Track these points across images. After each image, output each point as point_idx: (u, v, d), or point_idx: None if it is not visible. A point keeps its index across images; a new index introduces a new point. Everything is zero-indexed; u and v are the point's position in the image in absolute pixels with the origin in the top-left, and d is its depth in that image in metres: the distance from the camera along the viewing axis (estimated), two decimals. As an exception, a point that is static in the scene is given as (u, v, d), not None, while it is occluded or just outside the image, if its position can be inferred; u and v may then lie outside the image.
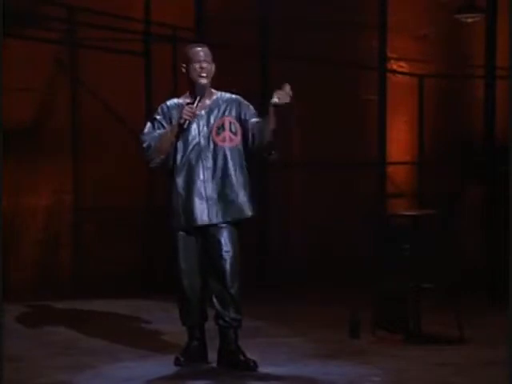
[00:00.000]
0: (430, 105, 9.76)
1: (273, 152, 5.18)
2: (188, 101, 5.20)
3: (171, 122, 5.19)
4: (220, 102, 5.24)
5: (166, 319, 6.51)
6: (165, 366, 5.24)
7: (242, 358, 5.15)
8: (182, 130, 5.13)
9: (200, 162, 5.15)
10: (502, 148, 8.73)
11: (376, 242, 6.60)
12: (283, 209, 9.06)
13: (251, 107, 5.27)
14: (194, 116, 5.12)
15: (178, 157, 5.16)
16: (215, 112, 5.22)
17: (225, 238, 5.14)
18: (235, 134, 5.20)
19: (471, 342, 6.01)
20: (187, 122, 5.11)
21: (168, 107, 5.24)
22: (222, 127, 5.20)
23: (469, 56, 9.73)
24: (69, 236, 8.65)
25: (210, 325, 5.30)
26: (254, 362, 5.14)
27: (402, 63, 9.71)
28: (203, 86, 5.19)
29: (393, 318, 6.22)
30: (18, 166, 8.13)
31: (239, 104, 5.25)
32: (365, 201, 8.86)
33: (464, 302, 6.19)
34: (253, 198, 5.24)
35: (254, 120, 5.18)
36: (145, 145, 5.16)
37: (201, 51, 5.21)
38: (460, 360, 5.50)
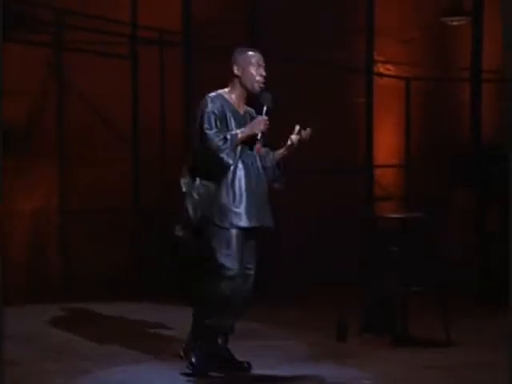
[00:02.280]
0: (417, 107, 9.79)
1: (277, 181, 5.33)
2: (233, 97, 5.17)
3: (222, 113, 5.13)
4: (250, 114, 5.27)
5: (159, 322, 6.51)
6: (159, 370, 5.24)
7: (235, 360, 5.18)
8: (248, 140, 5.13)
9: (250, 165, 5.14)
10: (488, 150, 8.78)
11: (364, 245, 6.62)
12: (273, 213, 9.04)
13: None
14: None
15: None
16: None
17: (255, 244, 5.21)
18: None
19: (459, 344, 6.04)
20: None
21: (218, 98, 5.15)
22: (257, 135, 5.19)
23: (455, 59, 9.77)
24: (56, 238, 8.62)
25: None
26: (248, 363, 5.17)
27: (388, 66, 9.74)
28: (268, 96, 5.17)
29: (381, 320, 6.23)
30: (5, 168, 8.09)
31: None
32: (353, 204, 8.88)
33: (452, 304, 6.22)
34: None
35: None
36: (222, 146, 5.00)
37: (257, 56, 5.20)
38: (448, 362, 5.52)
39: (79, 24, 8.19)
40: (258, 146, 5.15)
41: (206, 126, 5.06)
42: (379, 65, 9.58)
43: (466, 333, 6.34)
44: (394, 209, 9.04)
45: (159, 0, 8.49)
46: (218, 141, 5.02)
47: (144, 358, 5.54)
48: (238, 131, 5.10)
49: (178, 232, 5.18)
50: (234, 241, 5.05)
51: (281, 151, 5.28)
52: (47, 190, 8.57)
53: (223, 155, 5.02)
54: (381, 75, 9.55)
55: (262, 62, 5.20)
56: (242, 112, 5.22)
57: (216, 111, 5.10)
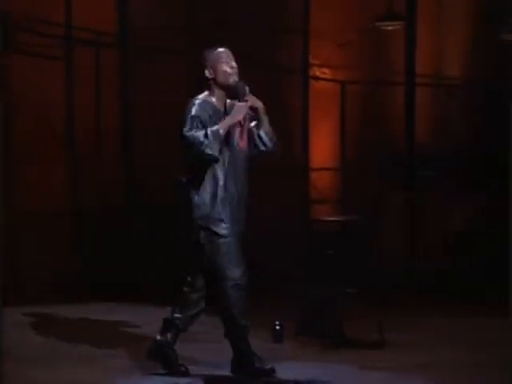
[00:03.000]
0: (353, 111, 9.87)
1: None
2: (213, 100, 5.18)
3: (207, 119, 5.11)
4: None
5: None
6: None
7: (177, 362, 5.25)
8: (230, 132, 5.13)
9: (233, 168, 5.17)
10: (422, 153, 8.90)
11: (301, 248, 6.65)
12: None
13: None
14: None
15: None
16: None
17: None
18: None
19: (394, 345, 6.09)
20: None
21: (205, 103, 5.15)
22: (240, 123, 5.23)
23: (390, 63, 9.88)
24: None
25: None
26: (185, 367, 5.23)
27: (324, 69, 9.80)
28: (243, 84, 5.20)
29: (317, 322, 6.27)
30: None
31: None
32: (289, 207, 8.91)
33: (390, 304, 6.28)
34: None
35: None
36: (203, 140, 4.97)
37: (225, 52, 5.24)
38: (383, 363, 5.56)
39: (14, 25, 8.08)
40: (241, 140, 5.19)
41: (185, 128, 5.05)
42: (315, 68, 9.63)
43: (401, 333, 6.41)
44: (329, 212, 9.10)
45: (95, 1, 8.43)
46: (198, 136, 5.00)
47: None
48: (218, 125, 5.07)
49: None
50: (226, 248, 5.08)
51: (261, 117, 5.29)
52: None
53: (205, 148, 5.00)
54: (316, 78, 9.61)
55: (230, 56, 5.24)
56: (226, 110, 5.20)
57: (201, 116, 5.10)
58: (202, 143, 5.00)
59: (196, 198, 5.11)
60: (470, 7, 9.89)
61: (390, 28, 9.49)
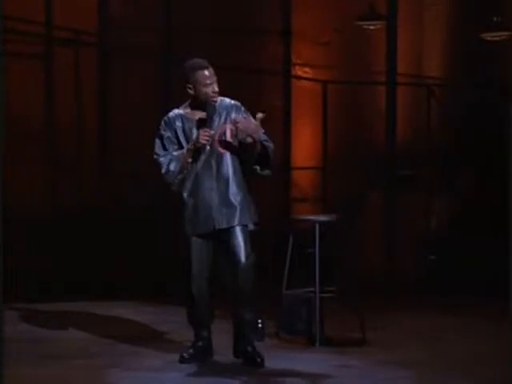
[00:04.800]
0: (334, 110, 9.87)
1: (265, 167, 5.45)
2: (188, 111, 5.35)
3: (176, 133, 5.32)
4: (220, 109, 5.35)
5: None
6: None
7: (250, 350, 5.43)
8: (198, 152, 5.26)
9: (205, 170, 5.28)
10: (404, 153, 8.92)
11: (281, 246, 6.65)
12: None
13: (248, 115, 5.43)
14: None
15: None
16: (217, 119, 5.33)
17: (237, 240, 5.32)
18: (234, 141, 5.33)
19: (373, 343, 6.10)
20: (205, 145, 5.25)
21: (170, 119, 5.36)
22: (224, 135, 5.33)
23: (372, 63, 9.88)
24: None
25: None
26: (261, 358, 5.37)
27: (306, 69, 9.80)
28: (214, 107, 5.30)
29: (297, 321, 6.26)
30: None
31: (237, 111, 5.39)
32: (270, 205, 8.90)
33: (369, 304, 6.29)
34: (254, 202, 5.47)
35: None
36: (163, 170, 5.29)
37: (207, 72, 5.27)
38: (362, 362, 5.57)
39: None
40: (222, 145, 5.27)
41: (155, 151, 5.34)
42: (297, 67, 9.63)
43: (382, 332, 6.42)
44: (310, 210, 9.10)
45: (75, 0, 8.41)
46: (161, 164, 5.28)
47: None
48: (183, 150, 5.26)
49: None
50: (191, 248, 5.34)
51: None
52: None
53: (165, 177, 5.30)
54: (298, 78, 9.61)
55: (209, 77, 5.27)
56: (210, 115, 5.29)
57: (164, 135, 5.32)
58: (162, 175, 5.31)
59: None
60: (452, 6, 9.91)
61: (371, 27, 9.50)
